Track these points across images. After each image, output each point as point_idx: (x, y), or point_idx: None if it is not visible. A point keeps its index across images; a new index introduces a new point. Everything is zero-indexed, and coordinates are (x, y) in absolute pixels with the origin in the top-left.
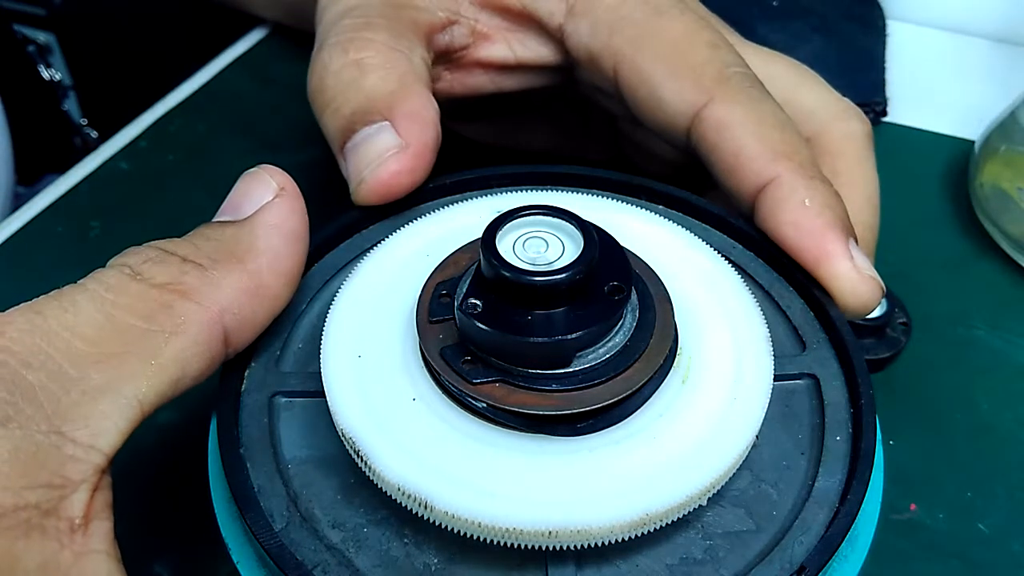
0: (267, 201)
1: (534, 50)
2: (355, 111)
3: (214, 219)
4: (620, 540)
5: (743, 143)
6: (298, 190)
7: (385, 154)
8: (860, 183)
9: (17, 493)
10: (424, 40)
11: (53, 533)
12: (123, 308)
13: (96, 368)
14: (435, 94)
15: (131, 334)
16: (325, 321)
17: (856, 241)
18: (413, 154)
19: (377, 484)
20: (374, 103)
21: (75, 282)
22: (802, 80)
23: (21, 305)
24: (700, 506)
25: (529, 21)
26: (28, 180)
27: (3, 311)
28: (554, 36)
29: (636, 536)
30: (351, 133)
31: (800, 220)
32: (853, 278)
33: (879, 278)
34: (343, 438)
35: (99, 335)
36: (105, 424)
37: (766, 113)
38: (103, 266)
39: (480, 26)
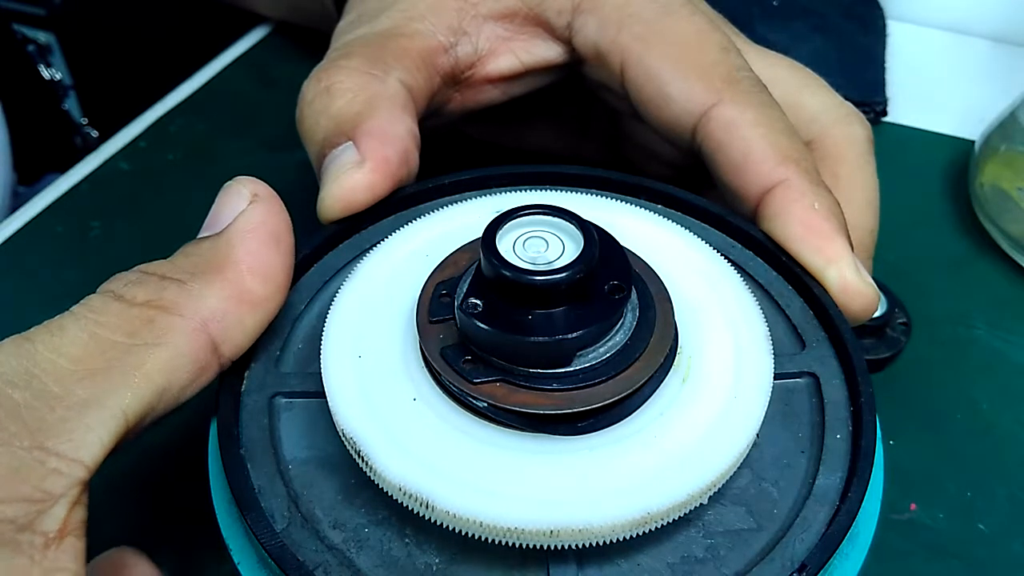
0: (241, 210)
1: (540, 55)
2: (325, 136)
3: (196, 238)
4: (621, 539)
5: (752, 144)
6: (274, 194)
7: (341, 171)
8: (861, 187)
9: None
10: (418, 64)
11: (26, 548)
12: (105, 326)
13: (80, 384)
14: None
15: (115, 350)
16: (325, 321)
17: (853, 248)
18: (370, 169)
19: (378, 484)
20: (340, 126)
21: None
22: (805, 84)
23: (14, 335)
24: (701, 505)
25: (535, 24)
26: (28, 180)
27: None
28: (560, 36)
29: (637, 535)
30: (323, 158)
31: (810, 222)
32: (858, 283)
33: (875, 286)
34: (344, 438)
35: (83, 353)
36: (89, 437)
37: (774, 118)
38: (99, 279)
39: (484, 41)
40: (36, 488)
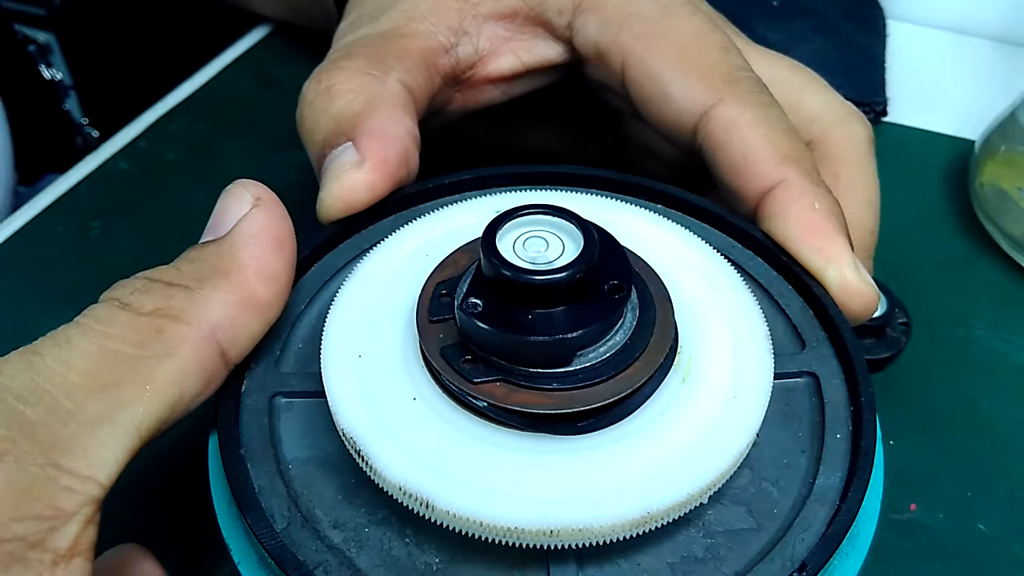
0: (244, 214)
1: (540, 54)
2: (326, 136)
3: (199, 242)
4: (621, 539)
5: (752, 144)
6: (276, 198)
7: (341, 171)
8: (862, 187)
9: (5, 526)
10: (419, 65)
11: (35, 565)
12: (114, 338)
13: (92, 399)
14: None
15: (124, 362)
16: (325, 321)
17: (853, 248)
18: (369, 168)
19: (378, 484)
20: (340, 126)
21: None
22: (806, 83)
23: (20, 348)
24: (701, 504)
25: (536, 24)
26: (29, 179)
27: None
28: (561, 36)
29: (637, 535)
30: (323, 159)
31: (810, 222)
32: (858, 282)
33: (875, 286)
34: (344, 438)
35: (93, 366)
36: (103, 454)
37: (775, 118)
38: (97, 299)
39: (485, 41)
40: (48, 505)
